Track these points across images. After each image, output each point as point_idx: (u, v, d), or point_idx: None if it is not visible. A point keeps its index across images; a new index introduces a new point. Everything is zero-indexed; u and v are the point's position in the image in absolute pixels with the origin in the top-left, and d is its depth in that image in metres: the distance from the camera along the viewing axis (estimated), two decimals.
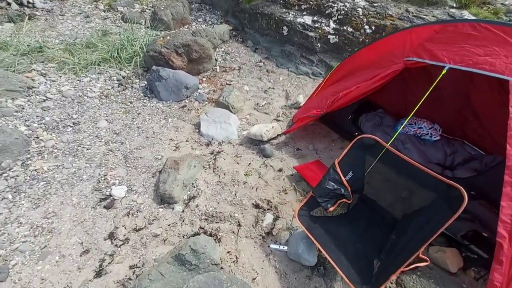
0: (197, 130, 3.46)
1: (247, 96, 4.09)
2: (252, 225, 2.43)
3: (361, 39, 4.34)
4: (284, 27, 4.96)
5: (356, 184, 2.18)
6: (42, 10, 5.78)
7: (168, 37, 4.33)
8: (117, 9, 6.12)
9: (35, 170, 2.90)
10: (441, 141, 2.95)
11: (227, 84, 4.31)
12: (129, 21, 5.66)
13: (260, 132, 3.15)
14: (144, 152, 3.15)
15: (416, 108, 2.30)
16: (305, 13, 4.97)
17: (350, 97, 2.83)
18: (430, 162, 2.78)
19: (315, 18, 4.80)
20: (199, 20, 5.94)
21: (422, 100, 2.30)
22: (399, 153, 2.05)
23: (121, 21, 5.78)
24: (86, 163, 3.01)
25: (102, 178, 2.87)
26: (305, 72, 4.63)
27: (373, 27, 4.29)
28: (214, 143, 3.31)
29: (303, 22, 4.81)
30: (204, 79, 4.44)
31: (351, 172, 2.15)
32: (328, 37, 4.58)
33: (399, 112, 3.35)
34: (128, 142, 3.27)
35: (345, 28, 4.50)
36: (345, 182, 2.11)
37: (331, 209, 2.09)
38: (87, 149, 3.16)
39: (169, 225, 2.45)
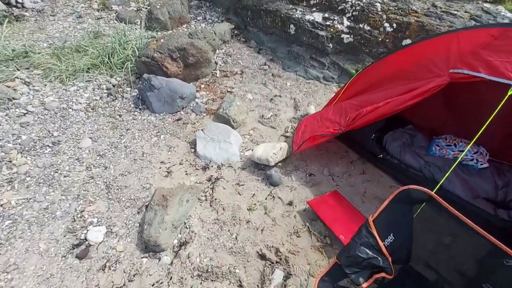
0: (192, 150, 2.86)
1: (251, 106, 3.46)
2: (257, 286, 1.84)
3: (380, 39, 3.65)
4: (291, 25, 4.27)
5: (399, 252, 1.55)
6: (32, 11, 5.14)
7: (162, 40, 3.69)
8: (112, 8, 5.45)
9: (1, 205, 2.34)
10: (490, 169, 2.31)
11: (228, 91, 3.67)
12: (123, 21, 5.02)
13: (266, 156, 2.53)
14: (130, 179, 2.56)
15: (478, 135, 1.67)
16: (314, 9, 4.26)
17: (377, 114, 2.18)
18: (477, 197, 2.15)
19: (326, 15, 4.10)
20: (198, 18, 5.25)
21: (485, 126, 1.66)
22: (460, 215, 1.41)
23: (115, 21, 5.13)
24: (61, 195, 2.43)
25: (78, 215, 2.30)
26: (315, 77, 3.97)
27: (394, 25, 3.59)
28: (212, 166, 2.70)
29: (312, 19, 4.11)
30: (203, 85, 3.80)
31: (391, 235, 1.52)
32: (342, 36, 3.88)
33: (433, 129, 2.69)
34: (113, 166, 2.69)
35: (361, 26, 3.80)
36: (383, 249, 1.49)
37: (365, 285, 1.48)
38: (65, 176, 2.58)
39: (152, 285, 1.87)
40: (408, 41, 3.48)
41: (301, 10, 4.29)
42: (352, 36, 3.83)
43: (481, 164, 2.29)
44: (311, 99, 3.56)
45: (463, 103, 2.45)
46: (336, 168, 2.64)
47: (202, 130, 2.93)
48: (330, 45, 3.95)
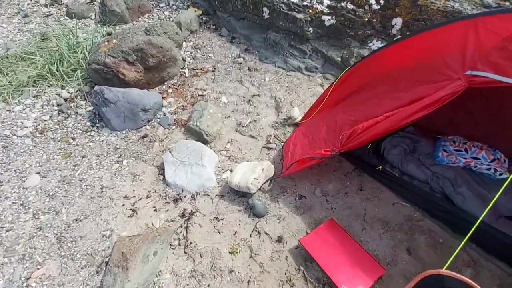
0: (161, 177, 2.31)
1: (226, 111, 2.87)
2: None
3: (366, 19, 3.03)
4: (264, 8, 3.57)
5: None
6: None
7: (114, 41, 2.97)
8: (61, 1, 4.56)
9: None
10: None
11: (199, 95, 3.05)
12: (75, 16, 4.18)
13: (245, 183, 2.01)
14: (86, 226, 2.02)
15: None
16: None
17: (375, 131, 1.66)
18: (499, 216, 1.73)
19: None
20: (161, 5, 4.43)
21: None
22: None
23: (66, 17, 4.28)
24: (4, 257, 1.90)
25: (24, 284, 1.79)
26: (297, 67, 3.36)
27: (381, 1, 2.97)
28: (185, 196, 2.17)
29: (287, 0, 3.43)
30: (170, 90, 3.16)
31: None
32: (322, 18, 3.24)
33: (439, 130, 2.20)
34: (66, 209, 2.13)
35: (343, 4, 3.15)
36: None
37: None
38: (8, 230, 2.02)
39: None
40: (399, 20, 2.88)
41: None
42: (334, 17, 3.19)
43: (499, 174, 1.85)
44: (294, 96, 2.99)
45: (478, 101, 1.95)
46: (330, 185, 2.15)
47: (170, 151, 2.37)
48: (310, 29, 3.31)
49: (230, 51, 3.67)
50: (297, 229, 1.92)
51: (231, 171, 2.28)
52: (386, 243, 1.81)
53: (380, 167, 2.06)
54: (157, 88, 3.19)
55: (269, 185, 2.15)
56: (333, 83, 2.26)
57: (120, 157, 2.49)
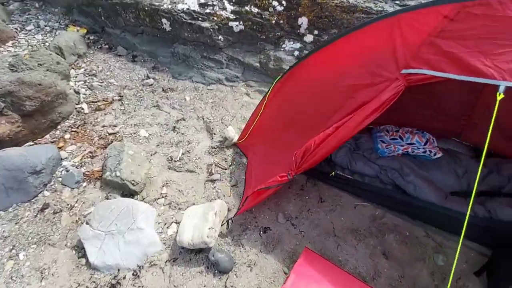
0: (83, 260, 1.65)
1: (150, 147, 2.30)
2: None
3: (273, 21, 2.83)
4: (163, 20, 3.03)
5: None
6: None
7: None
8: None
9: None
10: (445, 158, 1.94)
11: (109, 134, 2.37)
12: None
13: (201, 237, 1.56)
14: None
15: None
16: None
17: (330, 145, 1.45)
18: (446, 195, 1.77)
19: (202, 1, 3.00)
20: (28, 28, 3.35)
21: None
22: None
23: None
24: None
25: None
26: (217, 79, 2.97)
27: (284, 2, 2.81)
28: (124, 278, 1.59)
29: (187, 8, 2.96)
30: (67, 135, 2.37)
31: None
32: (230, 24, 2.91)
33: (381, 124, 2.16)
34: None
35: (247, 9, 2.88)
36: None
37: None
38: None
39: None
40: (304, 19, 2.78)
41: None
42: (241, 22, 2.90)
43: (434, 154, 1.92)
44: (223, 112, 2.61)
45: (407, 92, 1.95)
46: (290, 205, 1.90)
47: (87, 222, 1.71)
48: (220, 37, 2.95)
49: (135, 73, 3.02)
50: (273, 272, 1.60)
51: (177, 223, 1.79)
52: (363, 254, 1.66)
53: (333, 172, 1.91)
54: (48, 136, 2.36)
55: (227, 228, 1.76)
56: (265, 95, 1.98)
57: (13, 249, 1.69)
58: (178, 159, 2.18)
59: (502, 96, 1.03)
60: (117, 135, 2.35)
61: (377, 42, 1.42)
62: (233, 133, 2.26)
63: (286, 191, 1.97)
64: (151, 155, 2.22)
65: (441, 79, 1.19)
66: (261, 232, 1.76)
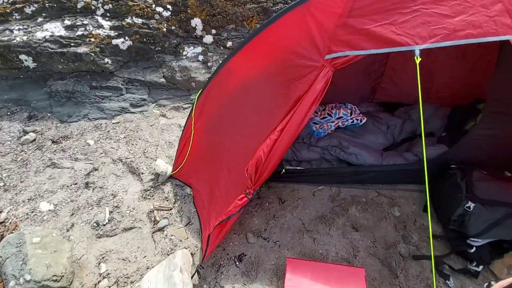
0: None
1: (61, 220, 1.72)
2: None
3: (164, 29, 2.49)
4: (22, 56, 2.33)
5: None
6: None
7: None
8: None
9: None
10: (369, 121, 2.06)
11: None
12: None
13: None
14: None
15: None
16: (41, 19, 2.42)
17: (280, 149, 1.34)
18: (381, 155, 1.89)
19: (68, 23, 2.42)
20: None
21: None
22: None
23: None
24: None
25: None
26: (120, 109, 2.47)
27: (168, 6, 2.49)
28: None
29: (50, 35, 2.34)
30: None
31: None
32: (114, 43, 2.43)
33: None
34: None
35: (129, 21, 2.45)
36: None
37: None
38: None
39: None
40: (197, 20, 2.54)
41: (19, 27, 2.36)
42: (126, 38, 2.46)
43: (360, 121, 2.02)
44: (142, 145, 2.20)
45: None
46: (255, 220, 1.72)
47: None
48: (107, 60, 2.45)
49: (5, 132, 2.26)
50: None
51: None
52: (337, 237, 1.65)
53: (283, 170, 1.83)
54: None
55: (199, 277, 1.48)
56: (191, 112, 1.72)
57: None
58: (106, 221, 1.73)
59: (419, 59, 1.08)
60: (7, 224, 1.70)
61: (294, 33, 1.33)
62: (164, 165, 1.92)
63: (251, 211, 1.79)
64: (67, 230, 1.69)
65: (363, 56, 1.18)
66: (237, 262, 1.55)
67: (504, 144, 1.58)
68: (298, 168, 1.89)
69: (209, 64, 2.56)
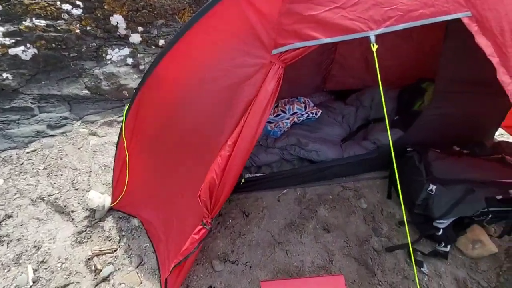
0: None
1: None
2: None
3: (77, 30, 2.04)
4: None
5: None
6: None
7: None
8: None
9: None
10: (324, 112, 1.93)
11: None
12: None
13: None
14: None
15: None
16: None
17: (235, 167, 1.11)
18: (341, 146, 1.79)
19: None
20: None
21: None
22: None
23: None
24: None
25: None
26: (35, 133, 1.97)
27: (79, 3, 2.02)
28: None
29: None
30: None
31: None
32: (11, 53, 1.90)
33: None
34: None
35: (28, 24, 1.94)
36: None
37: None
38: None
39: None
40: (118, 17, 2.13)
41: None
42: (28, 45, 1.96)
43: (315, 114, 1.89)
44: (69, 174, 1.78)
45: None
46: (219, 242, 1.49)
47: None
48: (6, 75, 1.92)
49: None
50: None
51: None
52: (310, 244, 1.52)
53: (242, 179, 1.62)
54: None
55: None
56: (120, 135, 1.39)
57: None
58: (31, 283, 1.34)
59: (376, 46, 0.94)
60: None
61: (232, 26, 1.10)
62: (100, 197, 1.57)
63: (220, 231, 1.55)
64: None
65: (315, 47, 1.01)
66: None
67: (454, 121, 1.59)
68: (258, 174, 1.69)
69: (141, 67, 2.19)
